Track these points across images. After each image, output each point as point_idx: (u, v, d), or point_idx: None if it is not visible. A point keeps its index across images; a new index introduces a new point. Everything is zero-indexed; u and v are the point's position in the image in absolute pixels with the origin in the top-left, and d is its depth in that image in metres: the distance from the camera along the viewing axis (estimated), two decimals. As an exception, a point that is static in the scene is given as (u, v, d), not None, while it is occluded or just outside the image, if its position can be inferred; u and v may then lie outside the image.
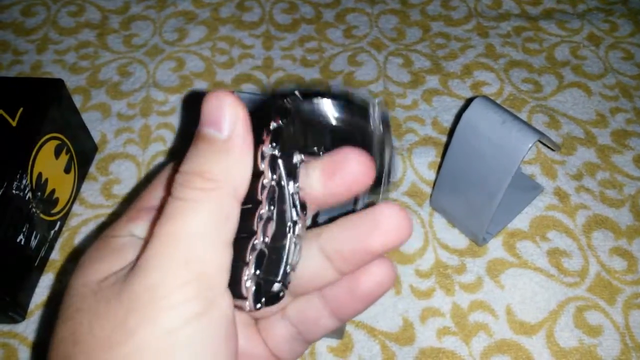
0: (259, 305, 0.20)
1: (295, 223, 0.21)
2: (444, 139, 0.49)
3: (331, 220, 0.23)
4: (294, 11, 0.60)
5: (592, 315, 0.39)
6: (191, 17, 0.59)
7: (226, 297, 0.19)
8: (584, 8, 0.60)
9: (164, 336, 0.18)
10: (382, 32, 0.58)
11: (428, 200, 0.45)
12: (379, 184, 0.23)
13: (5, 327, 0.39)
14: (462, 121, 0.38)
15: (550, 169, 0.47)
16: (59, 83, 0.42)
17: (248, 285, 0.20)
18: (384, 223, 0.21)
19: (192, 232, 0.19)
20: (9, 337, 0.38)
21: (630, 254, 0.42)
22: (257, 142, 0.20)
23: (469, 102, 0.45)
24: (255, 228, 0.20)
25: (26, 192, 0.38)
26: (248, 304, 0.20)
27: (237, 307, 0.20)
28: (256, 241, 0.20)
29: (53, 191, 0.41)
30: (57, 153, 0.42)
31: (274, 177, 0.21)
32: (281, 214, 0.21)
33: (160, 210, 0.20)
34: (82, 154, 0.45)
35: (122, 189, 0.46)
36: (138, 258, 0.19)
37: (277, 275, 0.21)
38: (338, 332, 0.38)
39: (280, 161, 0.21)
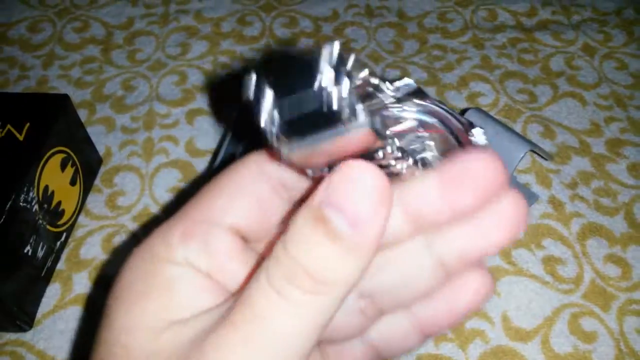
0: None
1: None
2: (440, 149, 0.50)
3: None
4: (294, 25, 0.61)
5: (587, 322, 0.40)
6: (193, 32, 0.60)
7: None
8: (579, 19, 0.62)
9: None
10: (379, 44, 0.59)
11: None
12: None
13: (13, 336, 0.40)
14: (456, 132, 0.39)
15: (545, 178, 0.48)
16: (65, 98, 0.43)
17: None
18: (507, 215, 0.17)
19: (284, 340, 0.16)
20: (16, 346, 0.39)
21: (624, 261, 0.43)
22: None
23: (463, 113, 0.46)
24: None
25: (33, 204, 0.39)
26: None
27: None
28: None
29: (59, 203, 0.43)
30: (63, 166, 0.43)
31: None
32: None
33: (249, 277, 0.16)
34: (88, 166, 0.47)
35: (126, 201, 0.47)
36: (208, 339, 0.16)
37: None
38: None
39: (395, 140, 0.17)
